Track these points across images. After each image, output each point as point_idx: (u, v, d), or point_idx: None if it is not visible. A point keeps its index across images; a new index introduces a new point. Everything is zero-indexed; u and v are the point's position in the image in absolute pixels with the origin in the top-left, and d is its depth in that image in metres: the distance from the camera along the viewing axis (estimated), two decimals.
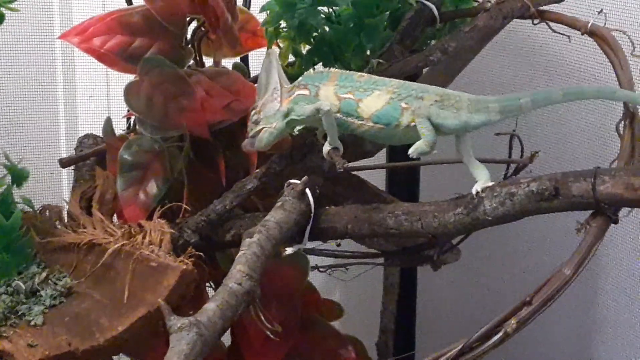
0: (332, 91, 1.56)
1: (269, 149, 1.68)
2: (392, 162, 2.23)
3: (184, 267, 1.54)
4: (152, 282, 1.56)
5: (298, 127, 1.64)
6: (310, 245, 1.70)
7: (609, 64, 1.64)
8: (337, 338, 1.88)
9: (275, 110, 1.61)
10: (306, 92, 1.58)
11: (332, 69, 1.59)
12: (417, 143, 1.49)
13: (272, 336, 1.58)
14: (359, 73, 1.57)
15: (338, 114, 1.55)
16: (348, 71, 1.58)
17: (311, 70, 1.60)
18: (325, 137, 1.62)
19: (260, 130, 1.63)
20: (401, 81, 1.54)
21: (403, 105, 1.50)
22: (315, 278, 2.03)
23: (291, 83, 1.63)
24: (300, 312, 1.85)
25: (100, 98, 2.45)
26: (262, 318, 1.54)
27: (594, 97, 1.53)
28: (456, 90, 1.51)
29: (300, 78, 1.61)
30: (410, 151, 1.50)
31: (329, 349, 1.86)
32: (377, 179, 2.13)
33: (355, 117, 1.54)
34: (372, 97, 1.53)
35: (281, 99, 1.61)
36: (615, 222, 1.42)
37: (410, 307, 2.40)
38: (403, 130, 1.51)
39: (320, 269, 2.09)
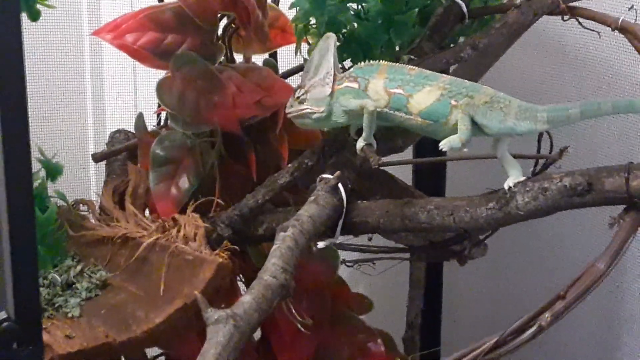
0: (381, 85, 1.55)
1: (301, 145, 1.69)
2: (420, 157, 2.24)
3: (220, 260, 1.56)
4: (188, 274, 1.57)
5: (337, 121, 1.63)
6: (339, 239, 1.71)
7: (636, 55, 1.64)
8: (366, 332, 1.89)
9: (325, 95, 1.60)
10: (355, 85, 1.58)
11: (382, 61, 1.58)
12: (452, 137, 1.49)
13: (302, 329, 1.60)
14: (410, 66, 1.56)
15: (386, 109, 1.55)
16: (398, 64, 1.58)
17: (362, 63, 1.60)
18: (357, 133, 1.63)
19: (302, 110, 1.62)
20: (453, 77, 1.53)
21: (453, 102, 1.50)
22: (342, 272, 2.04)
23: None
24: (330, 305, 1.86)
25: (127, 95, 2.47)
26: (293, 311, 1.56)
27: None
28: (500, 92, 1.51)
29: (351, 69, 1.60)
30: (442, 143, 1.50)
31: (358, 343, 1.88)
32: (404, 175, 2.14)
33: (404, 113, 1.54)
34: (422, 93, 1.52)
35: (333, 85, 1.60)
36: None
37: (436, 302, 2.42)
38: (450, 127, 1.51)
39: (348, 264, 2.11)
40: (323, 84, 1.60)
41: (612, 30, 1.71)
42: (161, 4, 1.90)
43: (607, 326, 2.20)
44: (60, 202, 1.85)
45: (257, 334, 1.89)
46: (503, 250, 2.25)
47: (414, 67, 1.57)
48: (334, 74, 1.60)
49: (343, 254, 2.04)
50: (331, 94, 1.60)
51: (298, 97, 1.62)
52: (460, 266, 2.04)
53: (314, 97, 1.61)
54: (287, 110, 1.65)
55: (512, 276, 2.43)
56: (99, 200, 1.91)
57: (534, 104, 1.49)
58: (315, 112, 1.61)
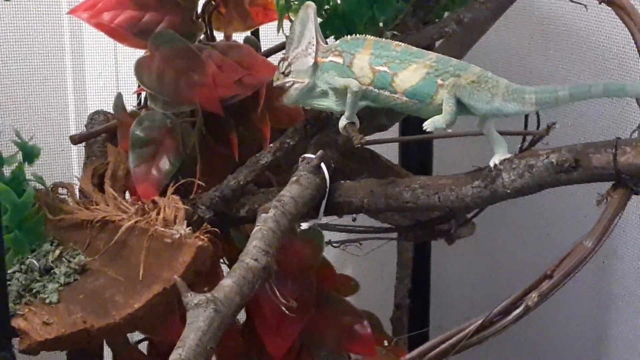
0: (366, 61, 1.52)
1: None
2: (406, 135, 2.21)
3: (200, 243, 1.53)
4: (168, 258, 1.55)
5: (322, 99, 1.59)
6: (324, 220, 1.68)
7: (628, 32, 1.61)
8: (353, 313, 1.86)
9: (308, 66, 1.57)
10: (340, 60, 1.54)
11: (368, 36, 1.54)
12: (436, 117, 1.46)
13: (287, 312, 1.57)
14: (396, 42, 1.52)
15: (370, 87, 1.52)
16: (384, 40, 1.54)
17: (348, 36, 1.56)
18: (340, 112, 1.60)
19: (286, 82, 1.59)
20: (439, 55, 1.50)
21: (439, 81, 1.47)
22: (328, 253, 2.01)
23: None
24: (316, 287, 1.84)
25: (109, 74, 2.43)
26: (278, 294, 1.53)
27: (636, 95, 1.43)
28: (487, 71, 1.47)
29: (337, 42, 1.57)
30: (425, 124, 1.47)
31: (344, 325, 1.85)
32: (390, 153, 2.11)
33: (389, 91, 1.51)
34: (408, 71, 1.49)
35: (315, 55, 1.57)
36: (637, 193, 1.40)
37: (425, 282, 2.39)
38: (436, 106, 1.47)
39: (334, 244, 2.08)
40: (305, 55, 1.57)
41: (600, 3, 1.67)
42: None
43: (596, 304, 2.18)
44: (39, 186, 1.81)
45: (243, 317, 1.87)
46: (491, 228, 2.23)
47: (400, 43, 1.53)
48: (318, 44, 1.57)
49: (329, 235, 2.02)
50: (315, 65, 1.57)
51: (283, 71, 1.59)
52: (448, 245, 2.02)
53: (298, 69, 1.58)
54: (274, 85, 1.62)
55: (502, 255, 2.41)
56: (78, 183, 1.87)
57: (522, 85, 1.45)
58: (299, 84, 1.58)
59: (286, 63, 1.59)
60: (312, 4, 1.57)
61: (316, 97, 1.60)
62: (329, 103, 1.58)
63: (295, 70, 1.58)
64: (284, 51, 1.69)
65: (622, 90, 1.41)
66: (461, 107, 1.46)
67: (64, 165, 2.36)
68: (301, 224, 1.60)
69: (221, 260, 1.84)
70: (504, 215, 2.22)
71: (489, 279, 2.45)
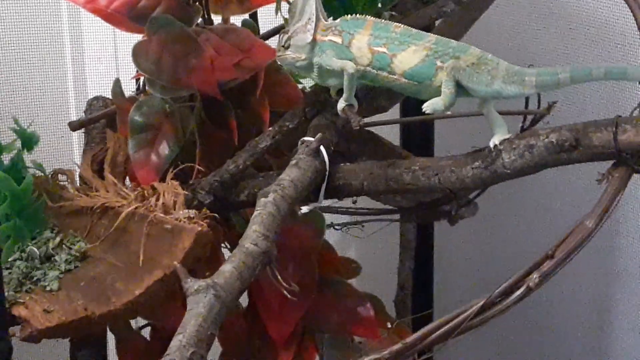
0: (365, 42, 1.51)
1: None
2: (406, 116, 2.20)
3: (199, 228, 1.53)
4: (167, 244, 1.54)
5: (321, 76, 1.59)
6: (325, 203, 1.67)
7: (628, 10, 1.59)
8: (355, 296, 1.86)
9: (306, 42, 1.56)
10: (339, 39, 1.53)
11: (368, 17, 1.53)
12: (435, 99, 1.45)
13: (289, 296, 1.57)
14: (396, 23, 1.51)
15: (369, 68, 1.51)
16: (385, 20, 1.53)
17: (348, 15, 1.55)
18: (338, 94, 1.59)
19: (286, 55, 1.59)
20: (439, 37, 1.48)
21: (438, 63, 1.46)
22: (330, 236, 2.01)
23: None
24: (318, 271, 1.83)
25: (108, 59, 2.42)
26: (279, 278, 1.52)
27: (637, 78, 1.40)
28: (488, 53, 1.46)
29: (337, 21, 1.56)
30: (424, 106, 1.46)
31: (347, 308, 1.85)
32: (391, 135, 2.10)
33: (387, 72, 1.50)
34: (407, 53, 1.48)
35: (314, 32, 1.56)
36: (638, 172, 1.39)
37: (428, 264, 2.39)
38: (435, 88, 1.46)
39: (336, 227, 2.08)
40: (304, 31, 1.57)
41: None
42: None
43: (603, 283, 2.18)
44: (38, 173, 1.81)
45: (245, 301, 1.87)
46: (494, 209, 2.22)
47: (400, 24, 1.52)
48: (318, 20, 1.56)
49: (332, 217, 2.01)
50: (314, 42, 1.56)
51: (283, 44, 1.59)
52: (450, 226, 2.01)
53: (296, 44, 1.58)
54: (276, 55, 1.62)
55: (505, 234, 2.41)
56: (78, 170, 1.87)
57: (522, 68, 1.44)
58: (297, 59, 1.57)
59: (286, 36, 1.59)
60: None
61: (316, 76, 1.59)
62: (314, 76, 1.59)
63: (294, 45, 1.58)
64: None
65: (624, 74, 1.40)
66: (461, 89, 1.45)
67: (66, 152, 2.35)
68: (301, 207, 1.59)
69: (223, 245, 1.84)
70: (507, 194, 2.21)
71: (493, 258, 2.44)
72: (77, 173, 1.86)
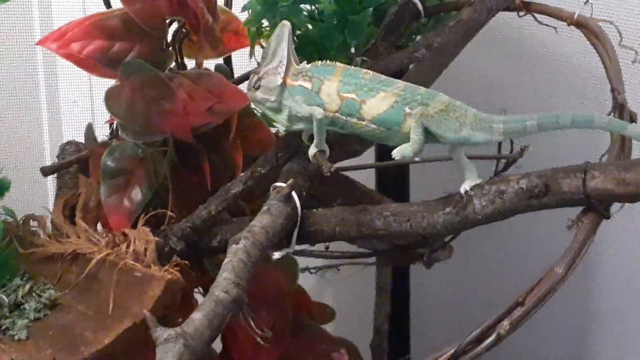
0: (335, 88, 1.52)
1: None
2: (381, 160, 2.20)
3: (169, 276, 1.51)
4: (137, 292, 1.52)
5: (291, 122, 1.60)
6: (299, 247, 1.67)
7: (597, 55, 1.61)
8: (329, 341, 1.85)
9: (276, 85, 1.57)
10: (309, 85, 1.55)
11: (338, 63, 1.54)
12: (404, 146, 1.46)
13: (262, 342, 1.55)
14: (365, 70, 1.52)
15: (337, 114, 1.52)
16: (354, 67, 1.54)
17: (319, 62, 1.56)
18: (310, 139, 1.60)
19: (256, 96, 1.61)
20: (408, 84, 1.50)
21: (407, 110, 1.47)
22: (306, 280, 2.00)
23: None
24: (291, 315, 1.82)
25: (84, 103, 2.41)
26: (252, 324, 1.51)
27: (603, 128, 1.42)
28: (456, 99, 1.47)
29: (308, 66, 1.57)
30: (394, 152, 1.47)
31: (321, 353, 1.84)
32: (367, 178, 2.10)
33: (356, 118, 1.51)
34: (376, 99, 1.49)
35: (285, 76, 1.57)
36: (607, 217, 1.39)
37: (404, 307, 2.39)
38: (404, 134, 1.47)
39: (311, 271, 2.07)
40: (275, 73, 1.58)
41: (568, 25, 1.68)
42: (108, 10, 1.85)
43: (579, 324, 2.18)
44: (9, 219, 1.79)
45: (219, 346, 1.85)
46: (470, 251, 2.22)
47: (369, 71, 1.53)
48: (290, 64, 1.57)
49: (307, 261, 2.00)
50: (284, 86, 1.57)
51: (254, 84, 1.60)
52: (426, 269, 2.00)
53: (266, 85, 1.59)
54: (247, 94, 1.64)
55: (480, 277, 2.40)
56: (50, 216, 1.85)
57: (490, 115, 1.45)
58: (266, 100, 1.59)
59: (256, 77, 1.60)
60: (288, 23, 1.57)
61: (285, 121, 1.60)
62: (282, 119, 1.60)
63: (264, 87, 1.59)
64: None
65: (590, 122, 1.41)
66: (429, 136, 1.46)
67: (41, 196, 2.34)
68: (274, 253, 1.58)
69: (196, 290, 1.83)
70: (482, 237, 2.21)
71: (470, 300, 2.44)
72: (49, 219, 1.84)
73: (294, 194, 1.57)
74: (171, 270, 1.53)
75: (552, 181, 1.39)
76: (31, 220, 1.81)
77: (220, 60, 1.98)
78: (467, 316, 2.39)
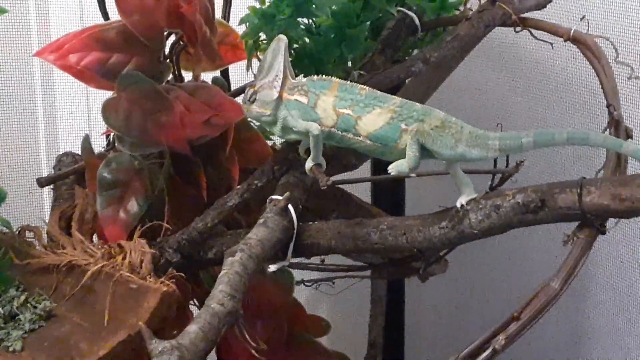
0: (330, 103, 1.52)
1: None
2: (377, 174, 2.20)
3: (165, 288, 1.51)
4: (133, 304, 1.52)
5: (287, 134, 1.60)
6: (295, 259, 1.67)
7: (593, 70, 1.62)
8: (324, 354, 1.85)
9: (272, 99, 1.57)
10: (305, 99, 1.55)
11: (334, 78, 1.55)
12: (400, 161, 1.47)
13: (256, 354, 1.55)
14: (361, 86, 1.53)
15: (333, 129, 1.52)
16: (350, 82, 1.54)
17: (315, 76, 1.56)
18: (307, 152, 1.60)
19: (251, 110, 1.60)
20: (404, 100, 1.50)
21: (403, 126, 1.47)
22: (301, 293, 2.00)
23: None
24: (286, 328, 1.82)
25: (80, 115, 2.42)
26: (247, 336, 1.51)
27: (599, 145, 1.43)
28: (452, 116, 1.48)
29: (304, 80, 1.57)
30: (390, 168, 1.48)
31: None
32: (363, 191, 2.10)
33: (352, 134, 1.51)
34: (372, 115, 1.49)
35: (281, 90, 1.57)
36: (603, 233, 1.40)
37: (399, 320, 2.38)
38: (400, 150, 1.48)
39: (307, 284, 2.07)
40: (271, 87, 1.58)
41: (565, 41, 1.68)
42: (105, 22, 1.85)
43: (574, 339, 2.17)
44: (5, 229, 1.79)
45: (214, 359, 1.85)
46: (465, 266, 2.23)
47: (365, 86, 1.53)
48: (286, 77, 1.57)
49: (302, 274, 2.00)
50: (280, 100, 1.57)
51: (249, 97, 1.60)
52: (421, 283, 2.01)
53: (262, 99, 1.59)
54: (242, 107, 1.64)
55: (475, 291, 2.40)
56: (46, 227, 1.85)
57: (486, 131, 1.46)
58: (262, 114, 1.59)
59: (252, 91, 1.60)
60: (284, 37, 1.58)
61: (281, 133, 1.60)
62: (276, 130, 1.60)
63: (260, 100, 1.59)
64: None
65: (586, 139, 1.42)
66: (425, 152, 1.46)
67: (38, 208, 2.34)
68: (269, 266, 1.58)
69: (192, 302, 1.82)
70: (478, 251, 2.22)
71: (464, 315, 2.43)
72: (45, 230, 1.84)
73: (290, 207, 1.58)
74: (167, 282, 1.53)
75: (548, 196, 1.39)
76: (27, 231, 1.81)
77: (218, 73, 1.98)
78: (462, 330, 2.40)
